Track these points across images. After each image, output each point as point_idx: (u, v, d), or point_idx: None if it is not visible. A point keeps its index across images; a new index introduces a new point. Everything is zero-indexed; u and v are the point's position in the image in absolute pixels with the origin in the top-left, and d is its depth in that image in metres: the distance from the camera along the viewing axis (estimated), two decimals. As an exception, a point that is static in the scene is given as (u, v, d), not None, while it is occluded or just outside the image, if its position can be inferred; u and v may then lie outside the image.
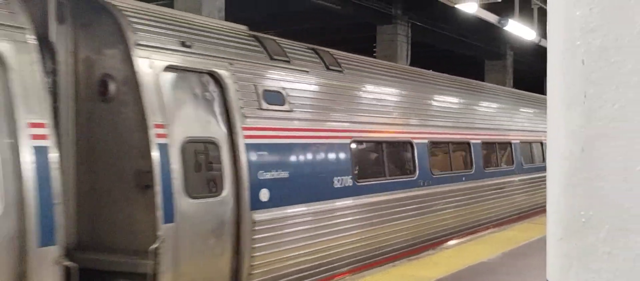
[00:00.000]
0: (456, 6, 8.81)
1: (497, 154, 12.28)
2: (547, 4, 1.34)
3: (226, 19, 12.38)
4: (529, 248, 9.15)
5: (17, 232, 4.31)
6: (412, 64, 16.88)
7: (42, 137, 4.60)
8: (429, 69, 12.15)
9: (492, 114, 12.68)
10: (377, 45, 18.85)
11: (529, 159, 13.87)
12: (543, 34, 16.25)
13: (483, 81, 20.50)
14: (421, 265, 8.01)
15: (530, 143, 13.92)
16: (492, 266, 7.99)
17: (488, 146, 11.92)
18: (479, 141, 11.38)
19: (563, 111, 1.18)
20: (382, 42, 18.36)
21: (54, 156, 4.65)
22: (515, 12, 14.27)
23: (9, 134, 4.41)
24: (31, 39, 4.70)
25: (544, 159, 13.83)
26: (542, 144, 14.39)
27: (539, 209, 13.63)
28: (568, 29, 1.17)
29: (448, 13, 17.87)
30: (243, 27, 7.45)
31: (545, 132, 1.39)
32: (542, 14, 16.72)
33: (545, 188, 1.43)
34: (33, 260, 4.35)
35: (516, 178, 12.90)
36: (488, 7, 12.91)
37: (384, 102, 9.21)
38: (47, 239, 4.47)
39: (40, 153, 4.52)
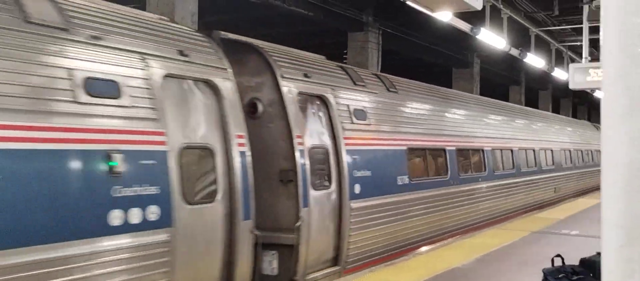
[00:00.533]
0: (432, 15, 9.03)
1: (502, 158, 14.50)
2: (602, 14, 1.35)
3: (199, 23, 12.32)
4: (499, 254, 9.30)
5: (229, 210, 6.26)
6: (382, 71, 17.04)
7: (242, 145, 6.53)
8: (399, 77, 12.37)
9: (496, 124, 15.10)
10: (348, 51, 18.95)
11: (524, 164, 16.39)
12: (512, 42, 16.59)
13: (451, 88, 20.78)
14: (398, 270, 8.07)
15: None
16: (466, 271, 8.09)
17: (498, 151, 14.28)
18: (490, 148, 13.72)
19: (622, 119, 1.18)
20: (353, 49, 18.46)
21: (249, 158, 6.60)
22: (486, 21, 14.53)
23: (224, 142, 6.37)
24: (230, 75, 6.68)
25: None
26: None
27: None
28: (627, 37, 1.16)
29: (418, 21, 18.08)
30: (322, 57, 9.45)
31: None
32: (511, 22, 17.08)
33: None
34: (239, 229, 6.32)
35: (514, 180, 15.30)
36: (461, 16, 13.14)
37: (424, 116, 11.51)
38: (246, 215, 6.43)
39: (242, 156, 6.49)
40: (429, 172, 11.09)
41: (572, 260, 5.53)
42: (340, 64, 9.80)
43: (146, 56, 5.72)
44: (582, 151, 22.79)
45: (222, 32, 7.68)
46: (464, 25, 13.60)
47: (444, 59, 24.09)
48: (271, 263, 7.35)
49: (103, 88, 5.17)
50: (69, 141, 4.78)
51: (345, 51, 19.59)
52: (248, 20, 18.73)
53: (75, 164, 4.86)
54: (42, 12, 4.91)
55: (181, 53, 6.17)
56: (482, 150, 13.23)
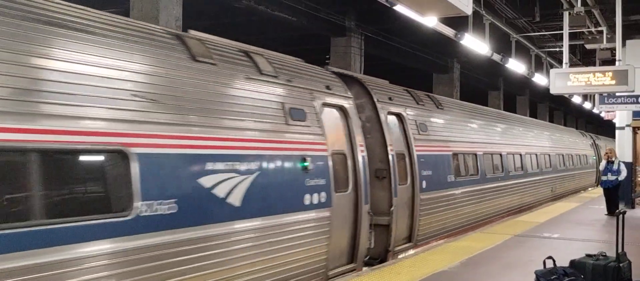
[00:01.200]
0: (420, 19, 9.16)
1: (513, 161, 17.32)
2: None
3: (183, 28, 12.28)
4: (483, 257, 9.41)
5: (355, 198, 8.75)
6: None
7: (363, 151, 8.98)
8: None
9: (508, 133, 17.97)
10: (330, 56, 19.01)
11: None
12: (493, 48, 16.78)
13: (431, 92, 20.95)
14: (384, 274, 8.11)
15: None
16: (452, 275, 8.16)
17: (511, 155, 17.13)
18: (505, 153, 16.45)
19: None
20: (336, 54, 18.53)
21: (366, 160, 9.04)
22: (469, 27, 14.69)
23: (351, 149, 8.81)
24: (353, 101, 9.29)
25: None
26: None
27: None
28: None
29: (400, 27, 18.24)
30: (387, 82, 11.73)
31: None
32: (493, 28, 17.28)
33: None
34: (362, 210, 8.78)
35: (522, 180, 17.88)
36: (444, 21, 13.27)
37: (462, 127, 14.17)
38: (366, 201, 8.91)
39: (363, 159, 8.93)
40: (467, 172, 13.64)
41: (559, 261, 5.62)
42: (405, 88, 12.29)
43: (313, 92, 8.30)
44: (572, 156, 25.37)
45: (334, 68, 10.51)
46: (448, 31, 13.74)
47: (425, 64, 24.29)
48: (369, 239, 9.19)
49: (298, 115, 7.74)
50: (284, 149, 7.31)
51: (327, 56, 19.65)
52: (231, 25, 18.71)
53: (288, 164, 7.39)
54: (266, 67, 7.56)
55: (327, 88, 8.78)
56: (501, 155, 16.05)
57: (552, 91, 13.20)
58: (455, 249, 10.14)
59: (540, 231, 12.28)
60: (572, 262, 4.93)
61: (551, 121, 40.91)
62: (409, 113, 11.25)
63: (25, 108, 4.65)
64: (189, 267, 5.73)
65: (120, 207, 5.22)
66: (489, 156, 15.09)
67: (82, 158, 5.21)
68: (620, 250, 5.58)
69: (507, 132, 17.80)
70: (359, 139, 9.00)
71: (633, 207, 16.81)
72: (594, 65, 19.90)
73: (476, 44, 15.32)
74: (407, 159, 10.73)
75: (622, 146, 17.52)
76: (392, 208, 9.88)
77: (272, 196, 7.00)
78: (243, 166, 6.60)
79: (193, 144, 6.00)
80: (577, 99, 29.95)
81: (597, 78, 12.52)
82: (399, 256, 10.03)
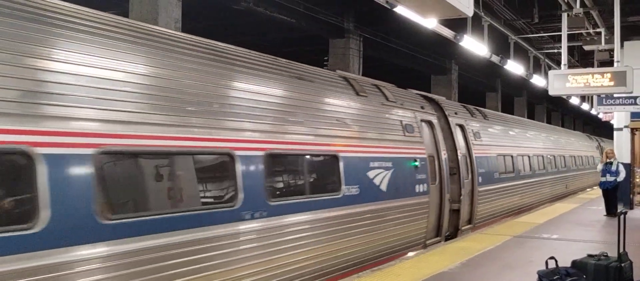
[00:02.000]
0: (418, 22, 9.23)
1: (537, 162, 20.14)
2: None
3: (182, 30, 12.27)
4: (483, 258, 9.42)
5: (440, 189, 11.60)
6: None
7: (445, 154, 11.98)
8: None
9: (533, 137, 21.11)
10: (329, 58, 19.01)
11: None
12: (492, 50, 16.81)
13: (430, 92, 20.98)
14: (385, 275, 8.11)
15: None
16: (452, 276, 8.16)
17: (534, 156, 19.93)
18: (532, 154, 19.50)
19: None
20: (334, 56, 18.53)
21: (446, 161, 12.11)
22: (468, 29, 14.72)
23: (437, 153, 11.68)
24: (437, 116, 12.27)
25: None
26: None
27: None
28: None
29: (399, 28, 18.25)
30: (451, 101, 15.67)
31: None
32: (492, 30, 17.31)
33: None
34: (445, 198, 11.66)
35: (543, 178, 20.78)
36: (443, 23, 13.31)
37: (502, 134, 17.33)
38: (447, 191, 11.87)
39: (445, 160, 11.93)
40: (506, 170, 16.37)
41: (560, 262, 5.63)
42: (462, 104, 15.70)
43: (415, 111, 11.40)
44: (581, 157, 28.15)
45: (415, 91, 12.90)
46: (447, 32, 13.77)
47: (423, 65, 24.32)
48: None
49: (409, 128, 10.80)
50: (402, 153, 10.25)
51: (326, 58, 19.66)
52: (230, 26, 18.71)
53: (406, 163, 10.38)
54: (390, 95, 10.72)
55: (422, 107, 11.83)
56: (529, 156, 18.97)
57: (551, 92, 13.23)
58: (456, 250, 10.15)
59: (539, 232, 12.29)
60: (574, 262, 4.94)
61: (549, 122, 40.97)
62: (468, 124, 14.21)
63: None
64: (370, 227, 9.17)
65: (334, 189, 8.44)
66: (520, 157, 17.97)
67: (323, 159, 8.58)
68: (621, 250, 5.60)
69: (533, 137, 21.01)
70: (441, 145, 12.06)
71: (632, 208, 16.83)
72: (592, 66, 19.95)
73: (475, 46, 15.36)
74: (467, 160, 13.51)
75: (621, 147, 17.54)
76: (461, 197, 12.85)
77: (400, 185, 10.04)
78: (386, 165, 9.69)
79: (364, 150, 9.23)
80: (575, 101, 30.01)
81: (596, 79, 12.56)
82: (463, 234, 12.77)
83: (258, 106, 7.18)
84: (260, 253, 6.77)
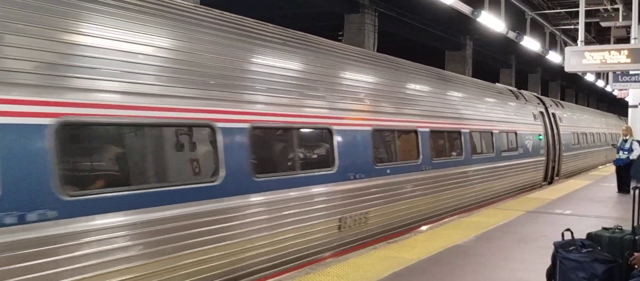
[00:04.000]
0: (438, -3, 9.31)
1: (586, 138, 26.15)
2: None
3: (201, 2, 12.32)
4: (496, 232, 9.54)
5: (547, 153, 18.74)
6: (378, 52, 17.13)
7: (551, 131, 19.54)
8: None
9: (587, 119, 28.54)
10: (344, 33, 19.01)
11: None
12: (507, 26, 16.77)
13: (444, 69, 21.00)
14: (400, 247, 8.27)
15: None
16: (466, 248, 8.29)
17: (583, 135, 25.45)
18: (588, 132, 26.37)
19: None
20: (349, 31, 18.52)
21: (549, 136, 19.54)
22: (485, 4, 14.67)
23: (546, 132, 18.94)
24: (545, 108, 19.69)
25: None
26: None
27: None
28: None
29: (414, 3, 18.19)
30: (545, 97, 21.94)
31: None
32: (508, 5, 17.22)
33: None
34: (549, 159, 19.10)
35: (591, 150, 27.15)
36: (461, -1, 13.30)
37: (571, 117, 23.69)
38: (550, 155, 19.30)
39: (552, 138, 19.39)
40: (576, 143, 23.06)
41: (575, 236, 5.75)
42: (551, 98, 23.12)
43: (536, 106, 18.27)
44: (612, 134, 33.56)
45: (531, 92, 20.86)
46: (464, 8, 13.74)
47: (438, 41, 24.25)
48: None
49: (536, 117, 18.06)
50: (535, 131, 17.69)
51: (340, 33, 19.65)
52: (245, 2, 18.72)
53: (537, 137, 17.77)
54: (523, 97, 18.00)
55: (537, 103, 18.54)
56: (586, 134, 25.69)
57: (567, 69, 13.22)
58: (469, 224, 10.28)
59: (552, 208, 12.39)
60: (589, 235, 5.06)
61: (562, 99, 40.83)
62: (556, 112, 20.82)
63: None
64: (526, 171, 16.40)
65: (515, 150, 15.74)
66: (583, 134, 24.62)
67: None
68: (635, 224, 5.70)
69: (590, 120, 28.67)
70: (548, 126, 18.86)
71: (645, 185, 16.85)
72: (609, 43, 19.81)
73: (492, 22, 15.31)
74: (557, 136, 19.84)
75: (635, 124, 17.52)
76: (556, 159, 19.55)
77: (535, 149, 17.15)
78: (530, 137, 16.86)
79: (524, 128, 16.53)
80: (590, 77, 29.82)
81: (612, 56, 12.53)
82: (555, 182, 18.98)
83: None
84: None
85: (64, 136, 4.65)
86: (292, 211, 7.22)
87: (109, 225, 4.89)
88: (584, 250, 4.46)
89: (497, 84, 18.29)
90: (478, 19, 14.45)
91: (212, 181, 6.01)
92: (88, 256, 4.72)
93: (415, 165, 10.47)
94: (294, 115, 7.48)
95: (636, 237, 4.87)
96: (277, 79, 7.32)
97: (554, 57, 21.89)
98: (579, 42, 14.33)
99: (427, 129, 10.89)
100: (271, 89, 7.13)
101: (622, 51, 12.54)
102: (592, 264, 4.38)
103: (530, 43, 19.17)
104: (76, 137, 5.04)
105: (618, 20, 17.11)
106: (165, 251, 5.38)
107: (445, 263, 7.37)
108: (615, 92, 27.98)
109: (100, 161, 5.40)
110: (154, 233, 5.27)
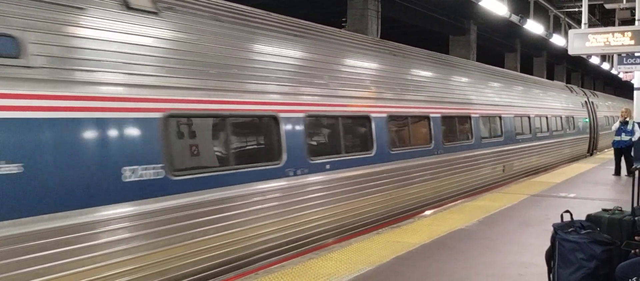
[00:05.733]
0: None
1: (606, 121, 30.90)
2: None
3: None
4: (500, 216, 9.60)
5: (590, 133, 25.13)
6: (381, 38, 17.10)
7: (590, 115, 25.71)
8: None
9: (607, 104, 33.28)
10: (347, 19, 18.96)
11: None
12: (511, 9, 16.69)
13: (448, 54, 20.95)
14: (403, 232, 8.34)
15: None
16: (470, 232, 8.36)
17: (605, 118, 30.31)
18: (609, 115, 30.82)
19: None
20: (352, 16, 18.46)
21: (592, 121, 26.22)
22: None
23: (590, 116, 25.95)
24: (587, 98, 26.48)
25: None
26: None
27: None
28: None
29: (417, -12, 18.13)
30: (586, 89, 29.37)
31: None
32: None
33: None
34: (591, 136, 25.51)
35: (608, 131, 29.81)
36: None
37: (603, 104, 30.68)
38: (592, 133, 25.87)
39: (592, 119, 26.09)
40: (609, 124, 25.89)
41: (576, 218, 5.79)
42: (587, 89, 30.68)
43: (582, 97, 25.10)
44: None
45: (575, 86, 27.64)
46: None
47: (442, 26, 24.17)
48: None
49: (583, 105, 24.63)
50: (584, 116, 24.46)
51: (344, 19, 19.60)
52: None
53: (584, 119, 24.50)
54: (573, 91, 24.73)
55: (583, 94, 25.85)
56: (613, 117, 29.26)
57: (570, 52, 13.18)
58: (473, 208, 10.34)
59: (556, 191, 12.43)
60: (589, 216, 5.10)
61: (568, 82, 40.68)
62: (594, 100, 26.44)
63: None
64: (575, 145, 22.85)
65: (564, 128, 21.16)
66: (612, 117, 29.18)
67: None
68: (635, 205, 5.73)
69: (614, 105, 33.01)
70: (590, 112, 24.16)
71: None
72: (613, 25, 19.70)
73: (495, 5, 15.26)
74: (593, 121, 24.80)
75: (640, 107, 17.48)
76: (594, 136, 24.64)
77: (584, 128, 23.80)
78: (580, 119, 23.26)
79: (577, 113, 23.20)
80: (595, 60, 29.69)
81: (616, 38, 12.48)
82: (594, 155, 24.27)
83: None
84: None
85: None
86: (342, 189, 8.56)
87: (217, 197, 6.29)
88: (583, 232, 4.50)
89: (554, 81, 25.55)
90: (480, 3, 14.39)
91: (277, 164, 7.26)
92: (203, 223, 6.12)
93: (499, 141, 14.81)
94: (339, 105, 8.65)
95: (635, 218, 4.91)
96: (327, 73, 8.54)
97: (558, 40, 21.82)
98: (583, 24, 14.26)
99: (534, 115, 17.73)
100: (322, 85, 8.32)
101: (625, 33, 12.49)
102: (590, 245, 4.42)
103: (534, 26, 19.09)
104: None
105: (622, 2, 17.00)
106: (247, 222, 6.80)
107: (449, 247, 7.44)
108: (621, 75, 27.86)
109: (196, 146, 6.61)
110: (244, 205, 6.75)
